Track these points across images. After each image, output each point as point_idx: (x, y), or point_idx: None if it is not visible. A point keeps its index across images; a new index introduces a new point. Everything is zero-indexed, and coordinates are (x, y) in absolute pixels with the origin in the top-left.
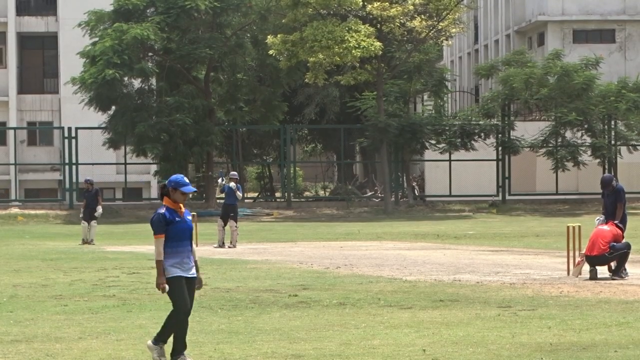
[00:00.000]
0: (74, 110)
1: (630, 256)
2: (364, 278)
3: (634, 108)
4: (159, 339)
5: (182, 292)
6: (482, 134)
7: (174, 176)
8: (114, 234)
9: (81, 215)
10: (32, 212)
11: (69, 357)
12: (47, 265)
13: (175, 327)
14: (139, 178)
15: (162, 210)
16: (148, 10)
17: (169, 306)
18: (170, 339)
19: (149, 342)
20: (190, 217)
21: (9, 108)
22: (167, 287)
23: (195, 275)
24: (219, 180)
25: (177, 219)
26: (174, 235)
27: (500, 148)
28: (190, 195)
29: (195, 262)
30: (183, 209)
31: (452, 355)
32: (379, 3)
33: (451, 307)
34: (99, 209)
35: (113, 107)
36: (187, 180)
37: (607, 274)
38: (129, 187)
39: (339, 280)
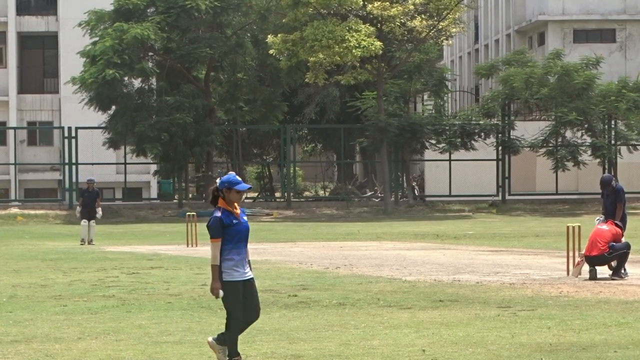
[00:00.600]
0: (74, 110)
1: (630, 256)
2: (363, 278)
3: (634, 108)
4: (229, 349)
5: (236, 298)
6: (482, 134)
7: (225, 176)
8: (113, 234)
9: (78, 215)
10: (32, 212)
11: (68, 357)
12: (46, 265)
13: (236, 332)
14: (139, 178)
15: (219, 214)
16: (148, 10)
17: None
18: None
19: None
20: (246, 218)
21: (9, 108)
22: (221, 292)
23: (252, 276)
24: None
25: (234, 221)
26: (232, 238)
27: (500, 148)
28: (245, 194)
29: (248, 261)
30: (238, 210)
31: (452, 355)
32: (379, 3)
33: (451, 307)
34: (99, 212)
35: (113, 107)
36: (239, 178)
37: (606, 274)
38: (128, 187)
39: (339, 280)
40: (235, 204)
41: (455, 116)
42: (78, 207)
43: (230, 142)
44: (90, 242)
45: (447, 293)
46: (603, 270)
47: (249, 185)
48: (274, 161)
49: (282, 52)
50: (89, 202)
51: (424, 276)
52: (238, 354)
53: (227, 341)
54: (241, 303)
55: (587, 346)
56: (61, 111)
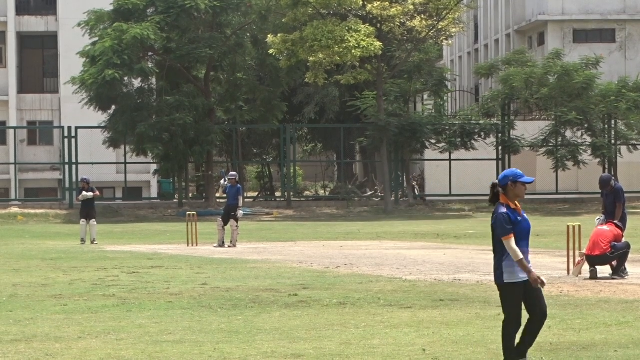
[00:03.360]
0: (74, 109)
1: (630, 256)
2: (364, 277)
3: (634, 108)
4: (517, 355)
5: (516, 301)
6: (482, 134)
7: (507, 171)
8: (113, 233)
9: (82, 198)
10: (32, 211)
11: (68, 356)
12: (46, 264)
13: (510, 337)
14: (139, 177)
15: (504, 210)
16: (148, 10)
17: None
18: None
19: None
20: (526, 216)
21: (9, 107)
22: (544, 279)
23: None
24: (222, 182)
25: (518, 218)
26: (517, 236)
27: (500, 147)
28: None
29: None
30: (520, 207)
31: (452, 354)
32: (379, 3)
33: (451, 306)
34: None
35: (113, 107)
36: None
37: (607, 274)
38: (128, 186)
39: (339, 279)
40: (517, 202)
41: (455, 116)
42: (80, 195)
43: (230, 142)
44: (92, 242)
45: (447, 292)
46: (603, 270)
47: (533, 178)
48: (274, 161)
49: (282, 52)
50: (86, 202)
51: (424, 275)
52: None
53: (526, 343)
54: (520, 305)
55: (587, 345)
56: (61, 111)
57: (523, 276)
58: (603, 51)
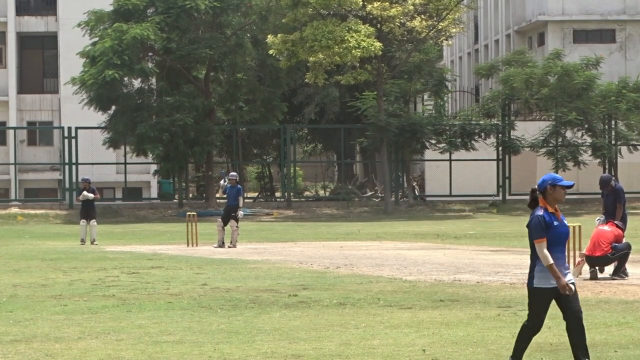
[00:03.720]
0: (74, 110)
1: (631, 256)
2: (364, 278)
3: (634, 108)
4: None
5: (542, 306)
6: (483, 134)
7: (546, 175)
8: (113, 233)
9: (82, 198)
10: (32, 212)
11: (68, 357)
12: (46, 265)
13: (524, 342)
14: (139, 178)
15: (541, 212)
16: (148, 10)
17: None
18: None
19: None
20: (566, 221)
21: (9, 108)
22: (572, 287)
23: (572, 280)
24: (221, 182)
25: (555, 222)
26: (551, 241)
27: (500, 148)
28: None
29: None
30: (559, 212)
31: (452, 355)
32: (379, 3)
33: (451, 307)
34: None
35: (113, 107)
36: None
37: (607, 274)
38: (128, 186)
39: (339, 280)
40: (556, 207)
41: (455, 116)
42: (81, 195)
43: (230, 142)
44: (92, 242)
45: (447, 293)
46: (608, 270)
47: (573, 182)
48: (274, 161)
49: (282, 52)
50: (87, 202)
51: (424, 276)
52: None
53: (579, 346)
54: (545, 312)
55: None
56: (61, 111)
57: (554, 282)
58: (603, 51)
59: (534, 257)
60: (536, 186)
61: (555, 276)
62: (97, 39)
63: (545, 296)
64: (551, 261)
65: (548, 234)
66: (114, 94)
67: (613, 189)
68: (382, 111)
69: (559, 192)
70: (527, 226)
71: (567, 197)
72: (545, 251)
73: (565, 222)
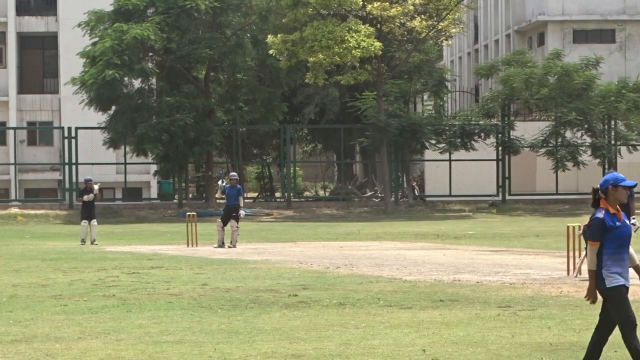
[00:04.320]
0: (74, 110)
1: None
2: (364, 278)
3: (634, 108)
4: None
5: (626, 303)
6: (482, 134)
7: (608, 175)
8: (113, 234)
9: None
10: (32, 212)
11: (68, 357)
12: (46, 265)
13: (630, 341)
14: (139, 178)
15: (601, 215)
16: (148, 11)
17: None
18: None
19: None
20: (627, 222)
21: (9, 108)
22: (598, 299)
23: (628, 284)
24: (220, 182)
25: (617, 223)
26: (613, 242)
27: (500, 148)
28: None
29: (637, 266)
30: (620, 212)
31: (452, 355)
32: (379, 3)
33: (451, 307)
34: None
35: (113, 107)
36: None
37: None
38: (128, 187)
39: (339, 280)
40: (618, 207)
41: (455, 116)
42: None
43: (230, 142)
44: (93, 242)
45: (447, 293)
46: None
47: (636, 182)
48: (274, 161)
49: (282, 52)
50: (87, 203)
51: (424, 276)
52: None
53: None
54: (630, 306)
55: (587, 346)
56: (61, 111)
57: (622, 280)
58: (603, 51)
59: (599, 259)
60: (598, 186)
61: (590, 281)
62: (97, 39)
63: (623, 292)
64: (594, 268)
65: (611, 235)
66: (114, 94)
67: None
68: (382, 111)
69: (620, 192)
70: (586, 227)
71: (567, 197)
72: (594, 255)
73: (627, 222)
